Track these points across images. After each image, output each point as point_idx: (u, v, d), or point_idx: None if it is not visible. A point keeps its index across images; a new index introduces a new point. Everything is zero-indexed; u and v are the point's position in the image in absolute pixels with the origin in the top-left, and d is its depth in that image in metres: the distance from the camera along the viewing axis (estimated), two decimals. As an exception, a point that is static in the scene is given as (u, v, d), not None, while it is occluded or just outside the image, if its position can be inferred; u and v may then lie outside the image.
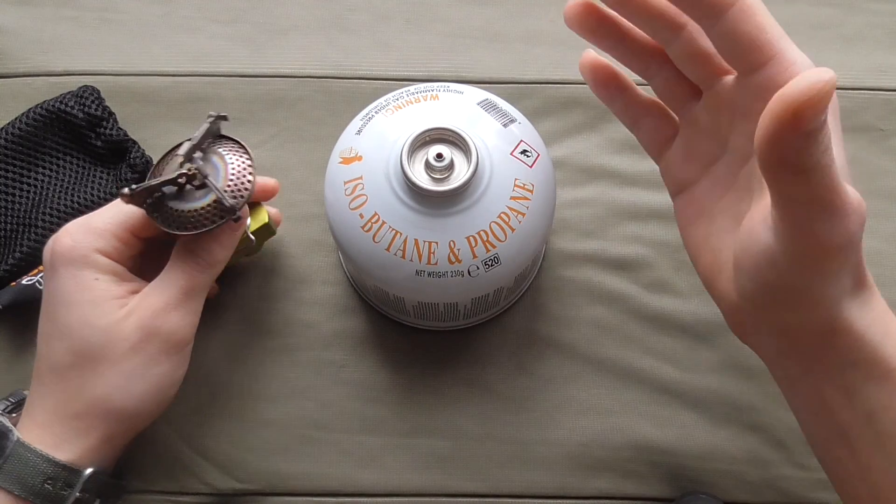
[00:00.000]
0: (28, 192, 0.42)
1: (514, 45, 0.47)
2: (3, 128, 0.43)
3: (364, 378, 0.41)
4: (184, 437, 0.40)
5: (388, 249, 0.35)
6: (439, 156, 0.34)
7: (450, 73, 0.46)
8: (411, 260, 0.34)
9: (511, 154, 0.36)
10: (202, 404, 0.41)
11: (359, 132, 0.37)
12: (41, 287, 0.41)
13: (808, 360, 0.32)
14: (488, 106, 0.37)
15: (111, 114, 0.43)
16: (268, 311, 0.42)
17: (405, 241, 0.34)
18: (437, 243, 0.34)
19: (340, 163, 0.36)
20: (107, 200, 0.42)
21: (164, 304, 0.34)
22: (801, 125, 0.24)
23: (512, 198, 0.35)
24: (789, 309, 0.31)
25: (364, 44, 0.47)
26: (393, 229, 0.34)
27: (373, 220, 0.35)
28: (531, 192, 0.35)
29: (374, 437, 0.41)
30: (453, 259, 0.34)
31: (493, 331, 0.42)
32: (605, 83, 0.36)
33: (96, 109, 0.43)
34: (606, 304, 0.42)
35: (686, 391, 0.41)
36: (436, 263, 0.34)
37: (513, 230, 0.35)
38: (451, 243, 0.34)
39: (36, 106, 0.43)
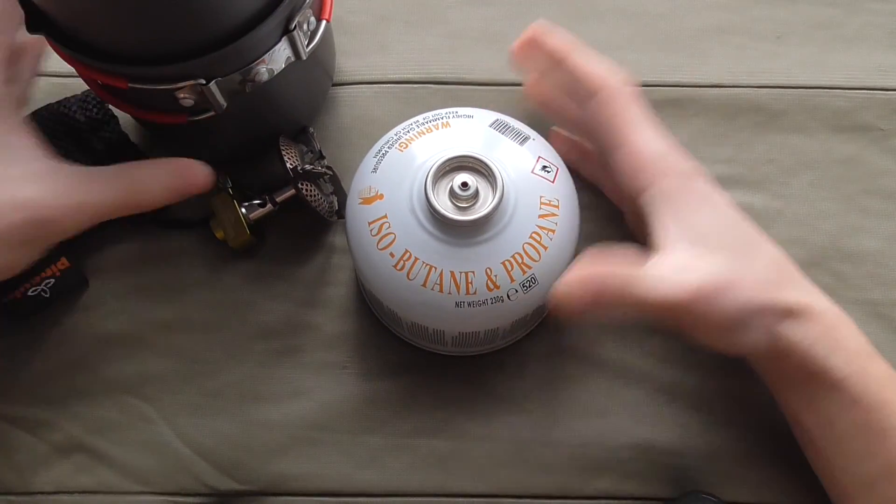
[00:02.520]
0: None
1: (514, 46, 0.47)
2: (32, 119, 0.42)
3: (365, 379, 0.41)
4: (184, 437, 0.40)
5: (424, 285, 0.34)
6: (464, 184, 0.33)
7: (450, 74, 0.46)
8: (449, 293, 0.34)
9: (532, 172, 0.36)
10: (202, 404, 0.41)
11: (374, 170, 0.36)
12: (47, 295, 0.41)
13: (773, 375, 0.37)
14: (501, 126, 0.37)
15: (113, 116, 0.43)
16: (269, 313, 0.42)
17: (441, 274, 0.34)
18: (473, 272, 0.34)
19: (361, 203, 0.36)
20: None
21: (71, 203, 0.34)
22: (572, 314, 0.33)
23: (540, 216, 0.35)
24: (739, 341, 0.35)
25: (364, 46, 0.47)
26: (427, 264, 0.34)
27: (404, 258, 0.34)
28: (557, 207, 0.35)
29: (374, 438, 0.40)
30: (491, 286, 0.34)
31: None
32: (569, 153, 0.42)
33: (98, 113, 0.43)
34: (607, 304, 0.42)
35: (686, 391, 0.41)
36: (475, 293, 0.34)
37: (545, 248, 0.35)
38: (488, 270, 0.34)
39: (39, 108, 0.43)
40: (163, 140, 0.45)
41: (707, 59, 0.47)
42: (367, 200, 0.36)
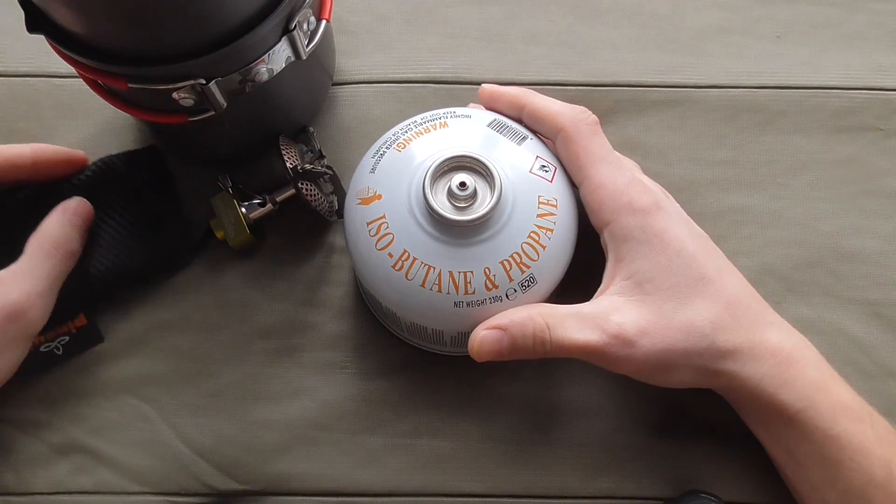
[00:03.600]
0: None
1: (514, 46, 0.47)
2: (83, 170, 0.42)
3: (365, 379, 0.41)
4: (184, 437, 0.40)
5: (423, 285, 0.34)
6: (462, 185, 0.33)
7: (450, 73, 0.46)
8: (448, 293, 0.34)
9: (530, 172, 0.36)
10: (202, 404, 0.41)
11: (373, 170, 0.36)
12: (59, 353, 0.40)
13: (734, 405, 0.38)
14: (499, 126, 0.37)
15: (171, 177, 0.43)
16: (269, 312, 0.42)
17: (439, 274, 0.34)
18: (472, 272, 0.34)
19: (359, 204, 0.36)
20: (133, 269, 0.41)
21: (36, 290, 0.36)
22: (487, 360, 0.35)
23: (538, 216, 0.35)
24: (671, 380, 0.36)
25: (364, 45, 0.47)
26: (425, 264, 0.34)
27: (403, 258, 0.34)
28: (555, 206, 0.35)
29: (374, 437, 0.41)
30: (490, 286, 0.34)
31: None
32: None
33: (152, 174, 0.42)
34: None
35: (686, 391, 0.40)
36: (473, 292, 0.34)
37: (544, 248, 0.35)
38: (487, 270, 0.34)
39: (105, 158, 0.42)
40: (163, 140, 0.44)
41: (707, 59, 0.47)
42: (366, 201, 0.36)
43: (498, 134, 0.37)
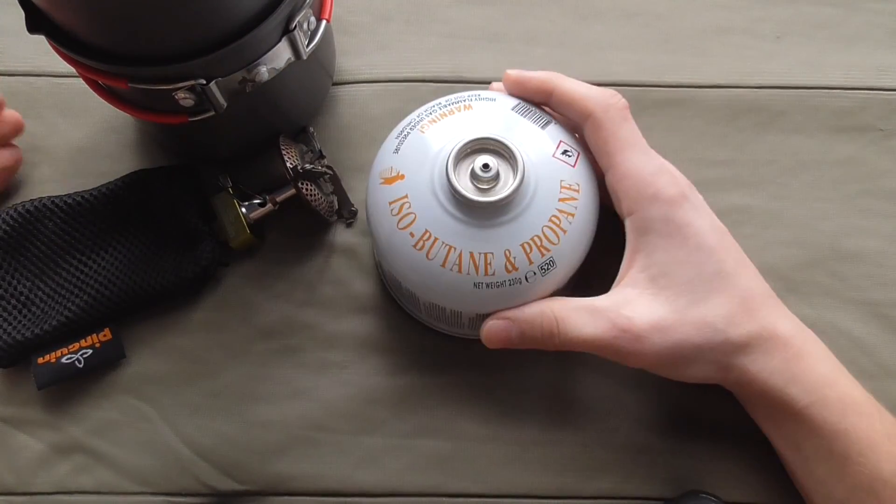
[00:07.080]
0: (92, 258, 0.41)
1: (514, 46, 0.47)
2: (103, 185, 0.42)
3: (365, 379, 0.41)
4: (183, 437, 0.40)
5: (443, 265, 0.34)
6: (486, 166, 0.33)
7: (450, 73, 0.46)
8: (468, 273, 0.34)
9: (553, 156, 0.36)
10: (202, 404, 0.41)
11: (396, 151, 0.36)
12: (80, 366, 0.39)
13: (741, 400, 0.38)
14: (523, 110, 0.37)
15: (203, 198, 0.42)
16: (269, 312, 0.42)
17: (460, 255, 0.34)
18: (492, 254, 0.34)
19: (382, 183, 0.36)
20: (164, 286, 0.41)
21: None
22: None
23: (560, 199, 0.35)
24: (685, 374, 0.36)
25: (364, 45, 0.47)
26: (446, 245, 0.34)
27: (424, 238, 0.34)
28: (577, 191, 0.35)
29: (374, 438, 0.40)
30: (510, 268, 0.34)
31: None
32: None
33: (187, 192, 0.42)
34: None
35: (686, 391, 0.41)
36: (493, 274, 0.34)
37: (564, 232, 0.35)
38: (507, 252, 0.34)
39: (140, 171, 0.42)
40: (163, 140, 0.44)
41: (707, 59, 0.47)
42: (389, 181, 0.36)
43: (522, 117, 0.37)
